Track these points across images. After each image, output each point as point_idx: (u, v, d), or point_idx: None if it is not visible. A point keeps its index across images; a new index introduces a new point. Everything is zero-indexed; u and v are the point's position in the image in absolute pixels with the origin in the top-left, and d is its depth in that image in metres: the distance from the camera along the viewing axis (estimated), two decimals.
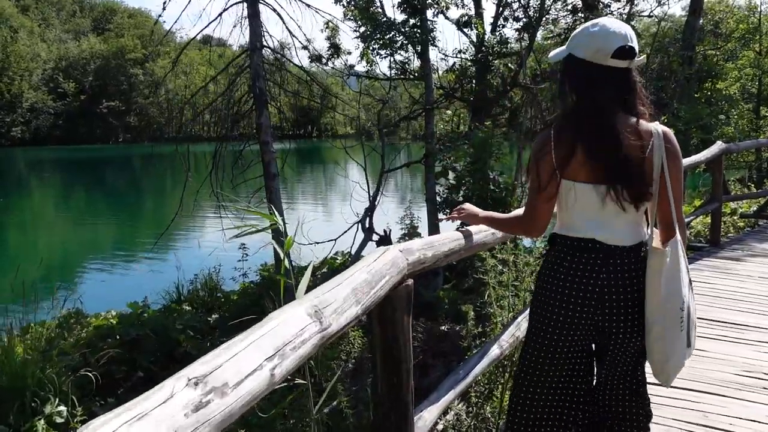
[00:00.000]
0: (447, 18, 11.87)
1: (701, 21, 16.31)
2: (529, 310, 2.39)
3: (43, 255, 14.27)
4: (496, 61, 11.59)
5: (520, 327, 3.40)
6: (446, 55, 11.58)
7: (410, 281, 2.09)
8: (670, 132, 2.15)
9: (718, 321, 5.09)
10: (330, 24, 11.63)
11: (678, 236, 2.12)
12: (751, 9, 29.72)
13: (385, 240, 10.68)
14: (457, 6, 12.03)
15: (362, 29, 9.97)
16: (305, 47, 13.50)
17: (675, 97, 9.91)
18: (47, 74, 77.60)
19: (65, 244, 18.88)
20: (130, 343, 6.49)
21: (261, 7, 8.61)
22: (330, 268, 9.93)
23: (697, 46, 13.58)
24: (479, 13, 12.06)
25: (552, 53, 2.23)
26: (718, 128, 10.88)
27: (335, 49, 12.19)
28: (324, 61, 12.77)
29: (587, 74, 2.07)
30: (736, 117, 19.76)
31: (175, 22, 12.21)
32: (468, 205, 2.71)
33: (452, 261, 2.55)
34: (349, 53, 12.41)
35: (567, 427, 2.35)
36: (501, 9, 12.15)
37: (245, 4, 7.96)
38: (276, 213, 3.93)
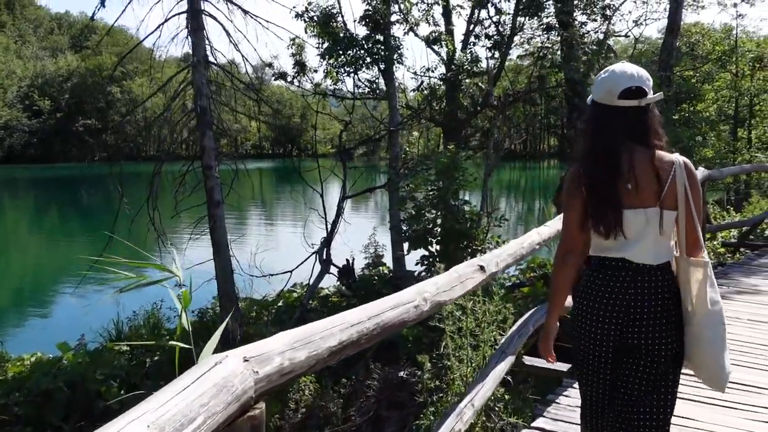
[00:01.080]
0: (416, 35, 11.30)
1: (678, 43, 15.95)
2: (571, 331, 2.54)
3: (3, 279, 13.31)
4: (466, 80, 11.01)
5: (462, 418, 2.66)
6: (416, 74, 10.95)
7: (259, 408, 1.37)
8: (689, 162, 2.34)
9: None
10: (296, 41, 11.00)
11: (705, 253, 2.35)
12: (727, 31, 29.74)
13: (346, 272, 9.95)
14: (428, 23, 11.48)
15: (325, 45, 9.31)
16: (270, 64, 12.89)
17: None
18: (22, 91, 76.47)
19: (31, 267, 17.89)
20: (42, 396, 5.67)
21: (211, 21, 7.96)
22: (286, 302, 9.16)
23: (675, 67, 13.12)
24: (449, 30, 11.49)
25: (589, 98, 2.45)
26: (696, 151, 10.32)
27: (301, 67, 11.54)
28: (289, 79, 12.13)
29: (598, 115, 2.36)
30: (714, 139, 19.43)
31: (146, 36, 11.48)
32: (543, 341, 2.67)
33: (350, 354, 1.81)
34: (315, 71, 11.78)
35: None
36: (472, 26, 11.61)
37: (187, 16, 7.26)
38: (176, 261, 3.22)
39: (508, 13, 10.90)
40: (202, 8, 7.27)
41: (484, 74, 10.83)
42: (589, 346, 2.44)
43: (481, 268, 2.63)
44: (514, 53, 11.82)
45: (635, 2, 17.03)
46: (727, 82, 26.73)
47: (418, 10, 11.00)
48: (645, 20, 18.02)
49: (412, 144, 9.76)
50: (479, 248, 6.28)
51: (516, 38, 12.23)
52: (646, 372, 2.38)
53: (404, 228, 8.18)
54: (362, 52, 9.06)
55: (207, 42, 7.41)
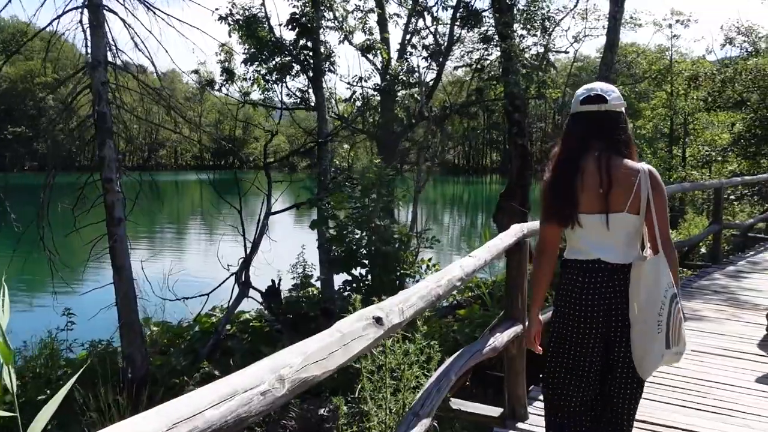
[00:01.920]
0: (351, 43, 10.75)
1: (616, 60, 15.93)
2: (551, 327, 2.72)
3: None
4: (401, 92, 10.51)
5: None
6: (350, 84, 10.38)
7: None
8: (654, 170, 2.53)
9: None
10: (224, 47, 10.28)
11: (661, 253, 2.50)
12: (661, 52, 30.42)
13: (271, 294, 9.24)
14: (364, 32, 10.95)
15: (252, 51, 8.63)
16: (196, 71, 12.11)
17: None
18: None
19: None
20: None
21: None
22: (202, 328, 8.37)
23: (614, 84, 12.98)
24: (385, 39, 11.00)
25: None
26: None
27: (229, 75, 10.80)
28: (217, 86, 11.38)
29: (568, 122, 2.66)
30: (650, 156, 19.55)
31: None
32: (530, 332, 2.84)
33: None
34: (245, 79, 11.07)
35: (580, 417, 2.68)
36: (408, 36, 11.15)
37: (85, 11, 6.48)
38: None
39: (446, 24, 10.47)
40: (102, 2, 6.50)
41: (420, 85, 10.35)
42: (575, 341, 2.61)
43: (378, 320, 2.00)
44: (453, 65, 11.34)
45: (574, 17, 16.95)
46: (662, 100, 27.29)
47: (354, 18, 10.46)
48: (584, 36, 17.97)
49: (341, 158, 9.15)
50: (408, 272, 5.71)
51: (456, 51, 11.87)
52: (627, 360, 2.57)
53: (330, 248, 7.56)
54: (289, 58, 8.42)
55: (110, 41, 6.65)
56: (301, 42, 8.68)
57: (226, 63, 10.97)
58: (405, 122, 10.14)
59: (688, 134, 23.79)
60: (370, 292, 5.57)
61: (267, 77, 9.23)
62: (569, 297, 2.59)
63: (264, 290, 9.54)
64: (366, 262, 5.95)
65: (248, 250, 7.76)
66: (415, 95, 10.20)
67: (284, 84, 9.55)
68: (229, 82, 11.06)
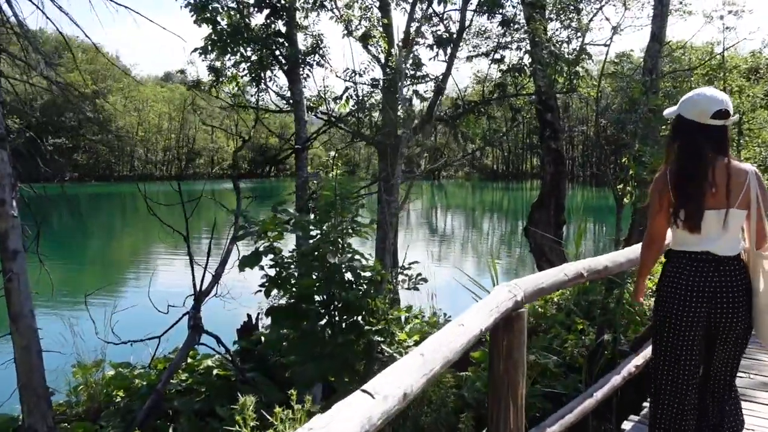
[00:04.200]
0: (350, 33, 9.14)
1: (662, 52, 13.95)
2: (655, 315, 3.09)
3: None
4: (407, 88, 8.86)
5: None
6: (347, 79, 8.77)
7: None
8: (758, 171, 2.86)
9: None
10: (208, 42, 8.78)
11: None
12: (709, 51, 28.02)
13: (247, 332, 7.69)
14: (363, 18, 9.34)
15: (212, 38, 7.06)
16: (182, 71, 10.71)
17: (637, 136, 7.15)
18: None
19: None
20: None
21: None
22: (148, 380, 6.81)
23: (660, 81, 11.00)
24: (387, 26, 9.34)
25: (666, 111, 3.08)
26: None
27: (216, 74, 9.30)
28: (205, 87, 9.92)
29: (689, 130, 2.84)
30: None
31: None
32: (636, 293, 3.32)
33: None
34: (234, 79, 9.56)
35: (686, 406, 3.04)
36: (417, 24, 9.46)
37: None
38: None
39: (455, 4, 8.77)
40: None
41: (428, 80, 8.69)
42: (681, 327, 2.91)
43: None
44: (466, 56, 9.58)
45: (615, 5, 15.02)
46: None
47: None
48: (622, 28, 16.01)
49: (325, 167, 7.49)
50: (380, 330, 4.05)
51: (473, 39, 10.14)
52: (730, 342, 2.95)
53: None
54: (257, 46, 6.86)
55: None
56: (273, 27, 7.11)
57: (216, 62, 9.51)
58: (409, 123, 8.46)
59: (743, 134, 21.49)
60: (322, 368, 3.93)
61: (237, 71, 7.71)
62: (677, 284, 2.89)
63: (239, 328, 8.00)
64: (324, 311, 4.29)
65: (200, 285, 6.18)
66: (421, 91, 8.53)
67: (263, 80, 8.01)
68: (218, 82, 9.59)
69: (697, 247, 2.83)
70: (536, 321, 8.49)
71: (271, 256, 4.25)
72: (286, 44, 7.11)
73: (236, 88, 8.70)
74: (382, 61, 8.90)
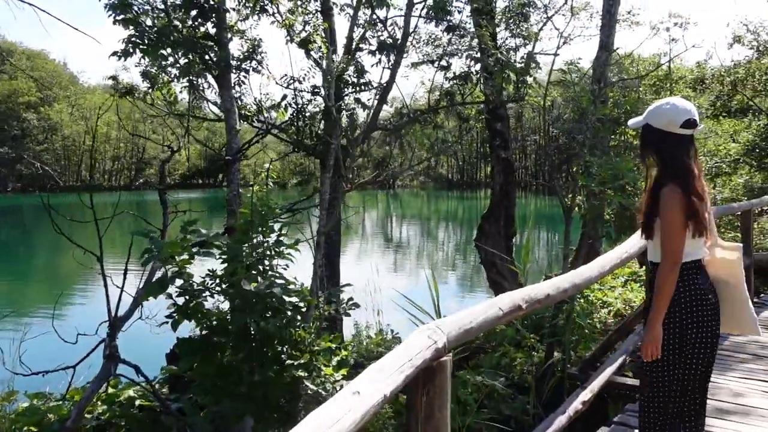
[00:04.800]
0: (291, 39, 8.69)
1: (610, 61, 13.93)
2: (682, 341, 2.85)
3: None
4: (349, 96, 8.46)
5: None
6: (286, 86, 8.31)
7: None
8: None
9: None
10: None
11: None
12: (657, 58, 28.52)
13: (177, 353, 7.10)
14: (305, 23, 8.90)
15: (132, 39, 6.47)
16: (114, 77, 10.09)
17: (585, 146, 6.90)
18: None
19: None
20: None
21: None
22: (58, 414, 6.18)
23: (609, 90, 10.84)
24: (331, 30, 8.92)
25: (632, 121, 3.02)
26: (640, 187, 8.02)
27: (151, 80, 8.70)
28: (140, 94, 9.31)
29: (673, 141, 2.86)
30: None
31: None
32: (649, 337, 2.87)
33: None
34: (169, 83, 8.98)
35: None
36: (362, 30, 9.07)
37: None
38: None
39: (401, 9, 8.42)
40: None
41: (371, 87, 8.30)
42: (713, 349, 2.92)
43: None
44: (409, 63, 9.22)
45: (564, 15, 14.96)
46: None
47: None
48: (572, 38, 15.99)
49: (259, 180, 6.98)
50: (297, 362, 3.60)
51: (423, 46, 9.80)
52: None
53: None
54: (184, 50, 6.35)
55: None
56: (200, 29, 6.61)
57: (152, 67, 8.91)
58: (351, 132, 8.06)
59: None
60: (240, 408, 3.45)
61: (168, 77, 7.18)
62: (708, 298, 2.87)
63: (168, 353, 7.41)
64: (233, 347, 3.80)
65: (116, 309, 5.61)
66: (364, 100, 8.13)
67: (195, 86, 7.49)
68: (153, 89, 8.99)
69: (701, 252, 2.93)
70: (485, 337, 8.19)
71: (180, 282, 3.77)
72: (216, 48, 6.63)
73: (168, 95, 8.13)
74: (324, 67, 8.47)
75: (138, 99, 9.55)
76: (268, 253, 3.89)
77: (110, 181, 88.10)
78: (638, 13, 19.46)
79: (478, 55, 8.52)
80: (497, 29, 11.58)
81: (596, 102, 7.19)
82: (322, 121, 8.43)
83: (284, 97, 7.87)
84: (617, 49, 12.07)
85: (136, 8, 6.18)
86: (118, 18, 6.00)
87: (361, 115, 8.55)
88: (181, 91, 8.10)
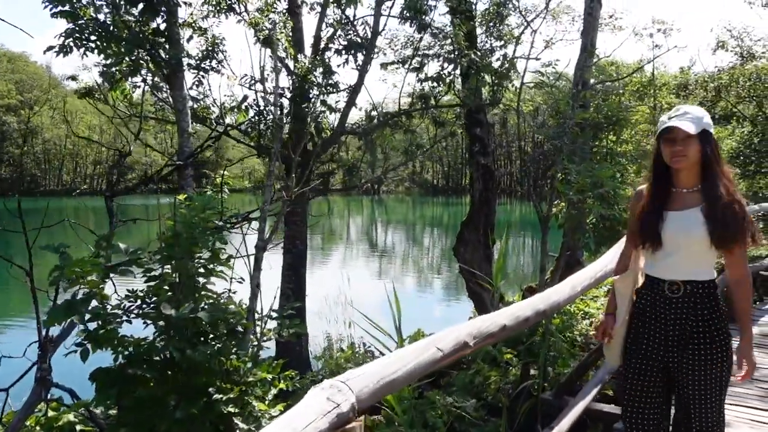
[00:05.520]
0: (258, 36, 8.24)
1: (592, 65, 13.58)
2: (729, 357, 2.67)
3: None
4: (317, 98, 8.01)
5: None
6: (248, 86, 7.85)
7: None
8: None
9: None
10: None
11: None
12: (639, 68, 28.33)
13: None
14: (269, 21, 8.45)
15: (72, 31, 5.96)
16: (73, 77, 9.65)
17: (563, 152, 6.49)
18: None
19: None
20: None
21: None
22: None
23: (589, 94, 10.44)
24: (297, 30, 8.48)
25: (678, 124, 2.62)
26: (621, 194, 7.62)
27: (109, 79, 8.19)
28: (100, 95, 8.81)
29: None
30: (633, 175, 17.18)
31: None
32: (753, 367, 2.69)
33: None
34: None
35: None
36: (332, 29, 8.62)
37: None
38: None
39: (372, 9, 7.98)
40: None
41: (340, 89, 7.86)
42: None
43: None
44: (380, 62, 8.77)
45: (545, 18, 14.61)
46: (645, 115, 25.13)
47: None
48: (554, 42, 15.67)
49: (213, 186, 6.49)
50: (225, 397, 3.12)
51: (402, 49, 9.37)
52: None
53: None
54: (128, 46, 5.86)
55: None
56: (149, 24, 6.13)
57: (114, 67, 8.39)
58: (317, 136, 7.61)
59: None
60: None
61: (117, 74, 6.68)
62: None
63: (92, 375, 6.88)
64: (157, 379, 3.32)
65: (47, 331, 5.10)
66: (332, 102, 7.68)
67: (146, 84, 7.01)
68: (114, 89, 8.49)
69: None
70: None
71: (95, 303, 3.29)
72: (167, 45, 6.15)
73: (124, 95, 7.65)
74: (291, 67, 8.02)
75: (98, 100, 9.07)
76: (201, 270, 3.42)
77: (92, 185, 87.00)
78: (621, 17, 19.20)
79: (455, 56, 8.10)
80: (477, 32, 11.21)
81: (574, 106, 6.78)
82: (287, 125, 7.97)
83: (245, 98, 7.40)
84: (598, 50, 11.69)
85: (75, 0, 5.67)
86: (55, 11, 5.51)
87: (334, 119, 8.10)
88: (133, 91, 7.62)
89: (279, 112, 5.70)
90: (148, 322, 3.41)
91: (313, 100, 7.83)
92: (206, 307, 3.46)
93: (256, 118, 7.34)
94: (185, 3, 6.31)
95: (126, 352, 3.29)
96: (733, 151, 14.64)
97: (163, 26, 6.23)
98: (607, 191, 6.77)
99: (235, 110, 7.41)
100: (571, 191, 6.77)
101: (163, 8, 5.97)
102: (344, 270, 24.14)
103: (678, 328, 2.66)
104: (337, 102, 8.11)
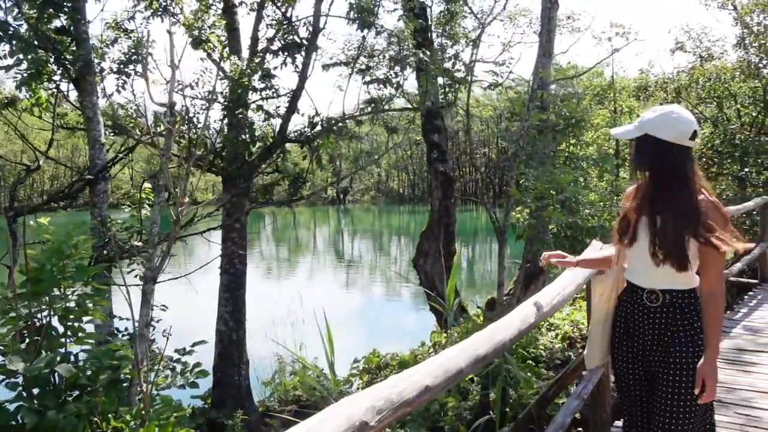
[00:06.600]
0: (197, 41, 7.58)
1: (551, 67, 13.21)
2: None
3: None
4: (254, 102, 7.38)
5: None
6: (177, 91, 7.14)
7: None
8: None
9: None
10: None
11: None
12: (599, 74, 28.35)
13: None
14: (202, 21, 7.81)
15: None
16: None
17: (518, 157, 5.94)
18: None
19: None
20: None
21: None
22: None
23: (546, 95, 9.94)
24: (234, 30, 7.82)
25: (619, 131, 2.65)
26: (582, 200, 7.09)
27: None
28: (27, 107, 8.03)
29: (681, 155, 2.47)
30: (596, 179, 16.91)
31: None
32: (714, 377, 2.53)
33: None
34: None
35: None
36: (268, 29, 7.99)
37: None
38: None
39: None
40: None
41: (280, 94, 7.24)
42: None
43: None
44: (322, 64, 8.14)
45: (503, 21, 14.24)
46: (606, 119, 25.02)
47: None
48: (512, 44, 15.30)
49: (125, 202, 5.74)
50: None
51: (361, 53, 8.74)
52: None
53: None
54: (22, 46, 5.15)
55: None
56: (49, 23, 5.43)
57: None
58: (254, 146, 6.96)
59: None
60: None
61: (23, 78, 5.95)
62: None
63: None
64: None
65: None
66: (270, 107, 7.05)
67: (56, 87, 6.29)
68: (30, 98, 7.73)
69: None
70: None
71: None
72: (74, 46, 5.46)
73: (37, 102, 6.92)
74: (227, 71, 7.36)
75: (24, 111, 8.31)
76: (59, 308, 2.75)
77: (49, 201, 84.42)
78: (578, 18, 18.98)
79: (401, 56, 7.52)
80: (431, 34, 10.72)
81: (530, 107, 6.26)
82: (219, 132, 7.32)
83: (173, 104, 6.71)
84: (556, 52, 11.32)
85: None
86: None
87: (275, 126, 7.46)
88: (47, 99, 6.88)
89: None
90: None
91: (249, 105, 7.20)
92: (82, 354, 2.80)
93: (186, 126, 6.65)
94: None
95: None
96: (696, 153, 14.38)
97: (65, 23, 5.52)
98: (567, 197, 6.26)
99: (164, 117, 6.71)
100: (528, 198, 6.25)
101: (67, 3, 5.27)
102: (309, 282, 23.43)
103: (656, 338, 2.57)
104: (277, 108, 7.47)
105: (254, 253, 31.83)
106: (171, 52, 3.84)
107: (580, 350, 7.06)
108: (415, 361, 8.05)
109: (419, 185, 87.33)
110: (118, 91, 6.75)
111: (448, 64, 8.79)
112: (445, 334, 8.86)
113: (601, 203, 10.47)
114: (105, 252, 5.04)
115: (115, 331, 5.38)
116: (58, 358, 2.63)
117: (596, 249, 3.37)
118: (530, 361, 6.97)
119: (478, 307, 11.13)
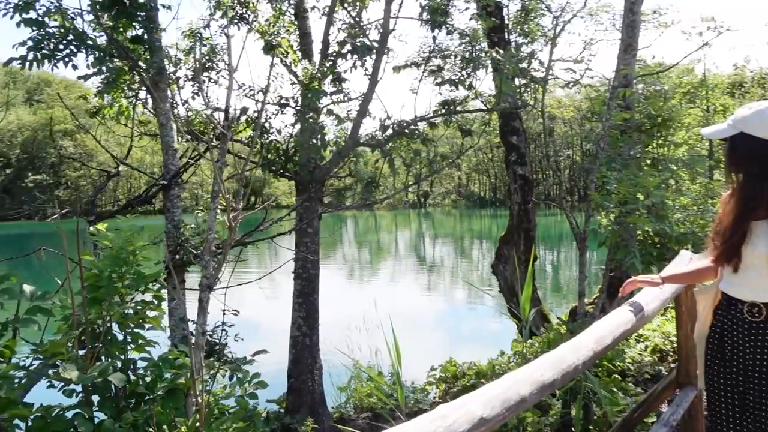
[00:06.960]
0: (270, 45, 7.64)
1: (636, 65, 12.54)
2: None
3: None
4: (326, 107, 7.34)
5: None
6: (249, 96, 7.23)
7: None
8: None
9: None
10: None
11: None
12: (689, 71, 26.83)
13: None
14: (276, 27, 7.85)
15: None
16: (83, 96, 9.40)
17: (597, 158, 5.59)
18: None
19: None
20: None
21: None
22: None
23: (629, 93, 9.37)
24: (307, 34, 7.82)
25: (710, 130, 2.39)
26: (671, 208, 6.59)
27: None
28: (113, 114, 8.40)
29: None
30: (688, 183, 15.92)
31: None
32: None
33: None
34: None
35: None
36: (339, 32, 7.94)
37: None
38: None
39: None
40: None
41: (351, 98, 7.17)
42: None
43: None
44: (393, 66, 8.01)
45: (583, 18, 13.68)
46: (698, 119, 23.67)
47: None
48: (593, 42, 14.67)
49: (203, 205, 5.83)
50: None
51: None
52: None
53: None
54: (101, 55, 5.29)
55: None
56: (122, 31, 5.56)
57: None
58: (326, 150, 6.92)
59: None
60: None
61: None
62: None
63: None
64: None
65: None
66: (341, 112, 6.99)
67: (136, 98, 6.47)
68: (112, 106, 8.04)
69: None
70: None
71: None
72: (149, 53, 5.58)
73: (118, 109, 7.16)
74: (299, 75, 7.37)
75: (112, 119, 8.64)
76: (119, 313, 2.73)
77: (145, 205, 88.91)
78: (665, 12, 18.02)
79: (473, 56, 7.29)
80: (510, 35, 10.40)
81: (610, 105, 5.88)
82: (292, 137, 7.32)
83: (244, 109, 6.78)
84: (640, 49, 10.70)
85: (44, 7, 5.13)
86: (18, 19, 4.98)
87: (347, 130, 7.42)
88: (127, 107, 7.10)
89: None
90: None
91: (320, 109, 7.16)
92: (140, 362, 2.77)
93: (258, 131, 6.69)
94: (163, 6, 5.68)
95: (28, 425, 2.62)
96: None
97: (139, 32, 5.64)
98: (654, 202, 5.84)
99: (237, 122, 6.80)
100: (611, 203, 5.87)
101: (140, 13, 5.38)
102: (388, 286, 23.42)
103: (758, 356, 2.30)
104: (348, 111, 7.41)
105: (336, 256, 32.22)
106: (229, 55, 3.81)
107: (672, 365, 6.60)
108: (493, 372, 7.77)
109: (500, 189, 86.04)
110: (193, 98, 6.89)
111: (524, 64, 8.46)
112: (526, 344, 8.53)
113: (695, 207, 9.77)
114: (177, 257, 5.12)
115: (189, 335, 5.44)
116: (112, 367, 2.61)
117: (685, 261, 3.06)
118: (617, 376, 6.56)
119: (558, 318, 10.67)
